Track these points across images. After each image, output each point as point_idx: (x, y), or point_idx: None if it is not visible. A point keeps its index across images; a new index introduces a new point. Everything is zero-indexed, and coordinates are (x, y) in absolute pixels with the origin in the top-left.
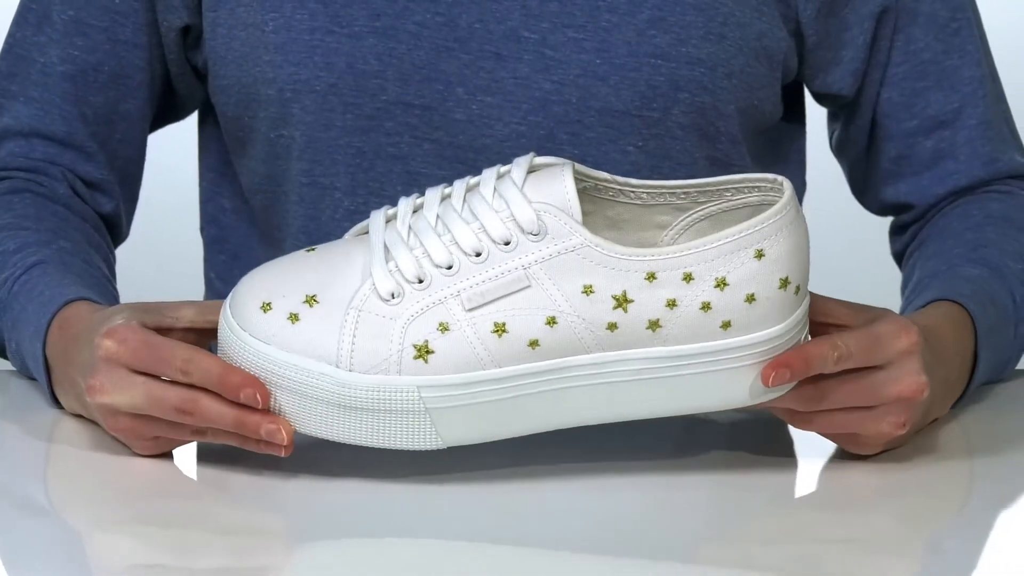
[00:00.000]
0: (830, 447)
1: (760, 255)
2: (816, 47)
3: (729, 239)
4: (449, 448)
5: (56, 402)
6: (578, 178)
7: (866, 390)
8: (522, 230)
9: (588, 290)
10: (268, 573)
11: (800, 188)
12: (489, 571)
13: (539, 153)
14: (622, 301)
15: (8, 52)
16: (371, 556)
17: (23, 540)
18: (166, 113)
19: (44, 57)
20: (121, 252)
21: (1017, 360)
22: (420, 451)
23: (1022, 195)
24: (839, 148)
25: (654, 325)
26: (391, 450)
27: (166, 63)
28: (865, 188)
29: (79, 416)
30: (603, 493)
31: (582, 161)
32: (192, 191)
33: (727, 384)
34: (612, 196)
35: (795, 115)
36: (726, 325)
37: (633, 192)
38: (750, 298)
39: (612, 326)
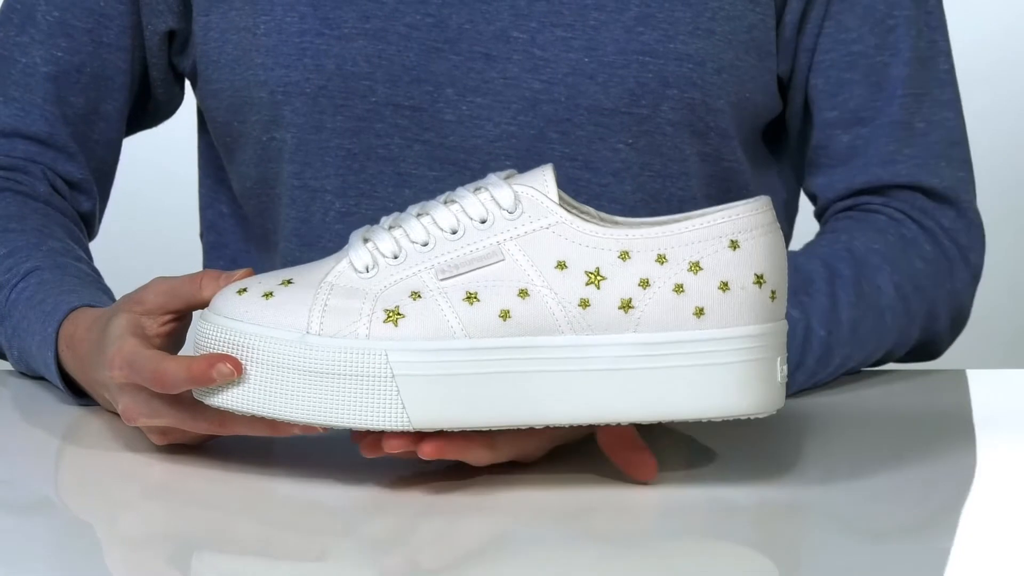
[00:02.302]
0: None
1: (735, 246)
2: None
3: (704, 225)
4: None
5: (77, 401)
6: (561, 205)
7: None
8: (499, 206)
9: (561, 265)
10: (270, 569)
11: (797, 185)
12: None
13: (530, 152)
14: (595, 277)
15: None
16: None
17: (24, 537)
18: (144, 116)
19: (26, 57)
20: (122, 257)
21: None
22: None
23: (909, 228)
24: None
25: (626, 305)
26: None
27: (147, 67)
28: (800, 175)
29: (79, 416)
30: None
31: (572, 160)
32: (192, 197)
33: (704, 385)
34: None
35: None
36: (699, 312)
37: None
38: (724, 286)
39: (584, 303)
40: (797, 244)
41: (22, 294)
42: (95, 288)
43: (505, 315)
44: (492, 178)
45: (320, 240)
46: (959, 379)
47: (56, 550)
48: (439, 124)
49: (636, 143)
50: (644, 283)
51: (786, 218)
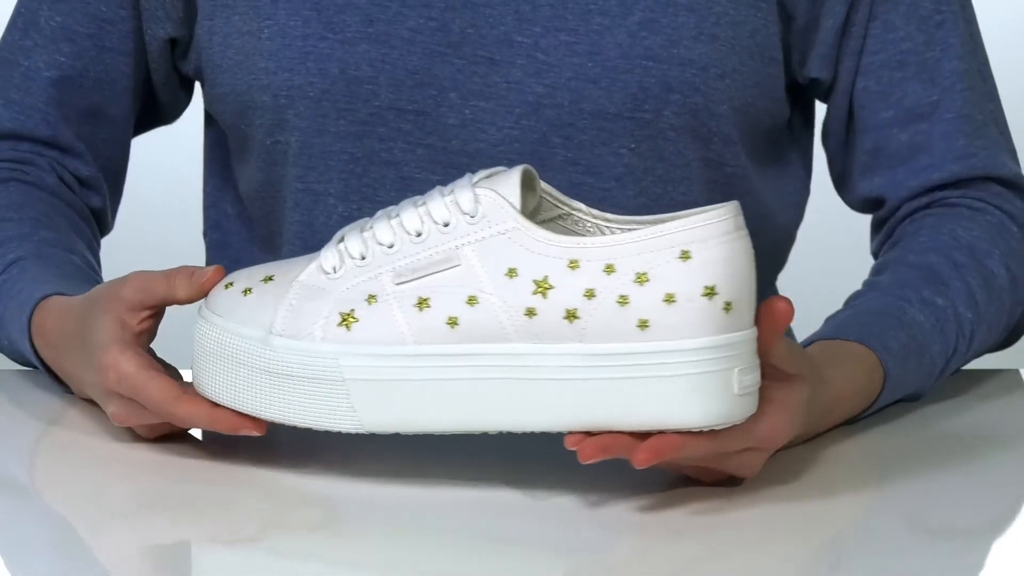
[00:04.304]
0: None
1: (686, 256)
2: (800, 31)
3: (655, 235)
4: (440, 450)
5: (64, 386)
6: (555, 204)
7: (720, 461)
8: (461, 211)
9: (512, 273)
10: (270, 560)
11: (803, 193)
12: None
13: (533, 157)
14: (542, 286)
15: None
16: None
17: (23, 534)
18: (150, 117)
19: (28, 61)
20: (124, 256)
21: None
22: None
23: (993, 214)
24: (823, 140)
25: (571, 315)
26: (390, 444)
27: (150, 71)
28: (843, 181)
29: (79, 415)
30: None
31: (575, 164)
32: (196, 196)
33: (649, 397)
34: (590, 232)
35: (801, 119)
36: (643, 325)
37: (608, 228)
38: (669, 298)
39: (531, 312)
40: (798, 245)
41: (3, 286)
42: (78, 279)
43: (453, 322)
44: (464, 179)
45: (323, 244)
46: (1014, 380)
47: (51, 545)
48: (442, 128)
49: (639, 148)
50: (589, 294)
51: (793, 222)
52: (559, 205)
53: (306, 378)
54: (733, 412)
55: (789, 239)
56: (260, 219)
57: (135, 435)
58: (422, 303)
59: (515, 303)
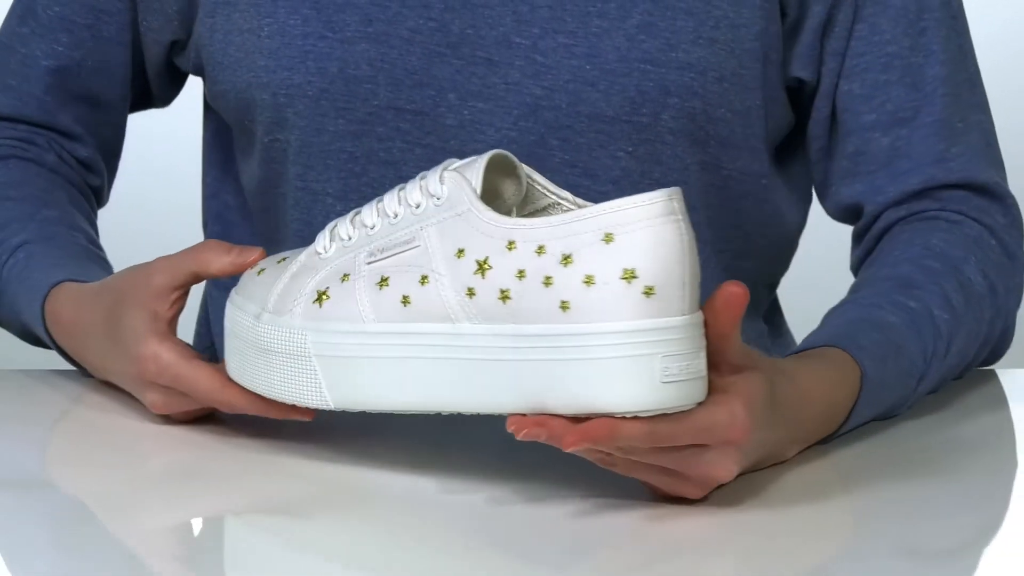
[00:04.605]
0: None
1: (609, 239)
2: (788, 29)
3: (583, 217)
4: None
5: (83, 372)
6: (544, 194)
7: (681, 461)
8: (429, 194)
9: (460, 253)
10: (274, 552)
11: (806, 196)
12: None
13: (530, 158)
14: (482, 266)
15: None
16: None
17: (27, 530)
18: (144, 100)
19: (26, 49)
20: (123, 250)
21: (911, 406)
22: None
23: (972, 226)
24: (807, 144)
25: (504, 296)
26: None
27: (144, 61)
28: (824, 188)
29: (83, 413)
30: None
31: (573, 166)
32: (192, 189)
33: (572, 379)
34: None
35: (803, 125)
36: (565, 306)
37: None
38: (588, 280)
39: (471, 291)
40: (800, 247)
41: (12, 270)
42: (84, 259)
43: (405, 301)
44: (441, 165)
45: None
46: (990, 378)
47: (54, 542)
48: (440, 128)
49: (636, 151)
50: (521, 274)
51: (796, 224)
52: (548, 194)
53: (284, 354)
54: (659, 399)
55: (791, 242)
56: (260, 215)
57: (153, 416)
58: (383, 281)
59: (459, 283)
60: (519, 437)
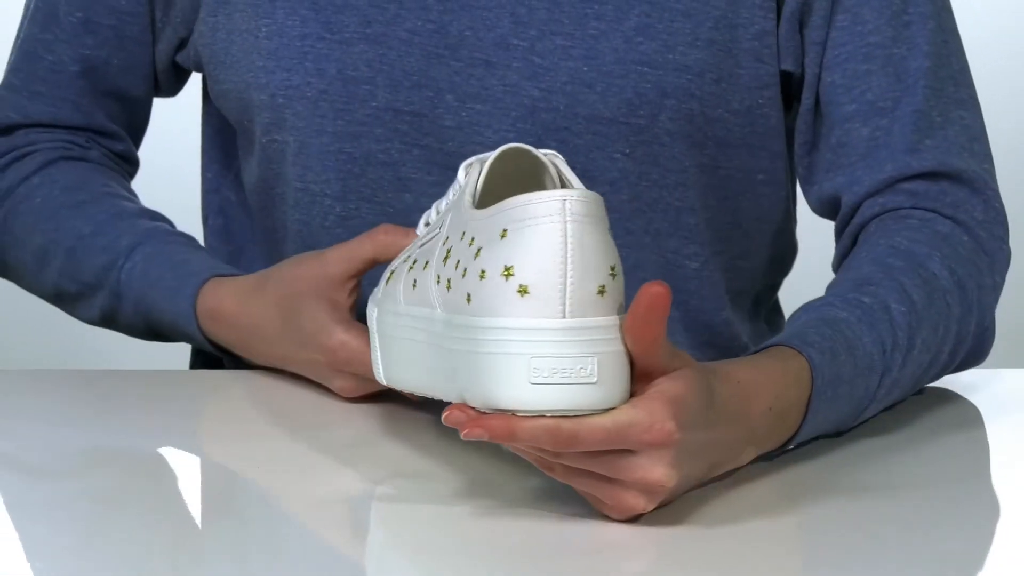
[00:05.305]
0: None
1: (504, 235)
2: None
3: (497, 211)
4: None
5: (232, 364)
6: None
7: (610, 465)
8: (459, 185)
9: (447, 241)
10: (278, 549)
11: (794, 191)
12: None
13: None
14: (449, 254)
15: (17, 47)
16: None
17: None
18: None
19: (52, 55)
20: None
21: (880, 408)
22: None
23: (944, 224)
24: (794, 139)
25: (448, 284)
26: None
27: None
28: (808, 183)
29: (84, 411)
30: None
31: (570, 168)
32: (190, 187)
33: (470, 371)
34: None
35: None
36: (468, 298)
37: None
38: (482, 274)
39: (438, 279)
40: (802, 249)
41: (132, 273)
42: (192, 248)
43: (415, 285)
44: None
45: (321, 244)
46: (969, 378)
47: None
48: (439, 130)
49: (633, 152)
50: (456, 264)
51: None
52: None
53: (372, 332)
54: (533, 400)
55: (792, 243)
56: (259, 213)
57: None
58: (413, 265)
59: (437, 271)
60: (445, 422)
